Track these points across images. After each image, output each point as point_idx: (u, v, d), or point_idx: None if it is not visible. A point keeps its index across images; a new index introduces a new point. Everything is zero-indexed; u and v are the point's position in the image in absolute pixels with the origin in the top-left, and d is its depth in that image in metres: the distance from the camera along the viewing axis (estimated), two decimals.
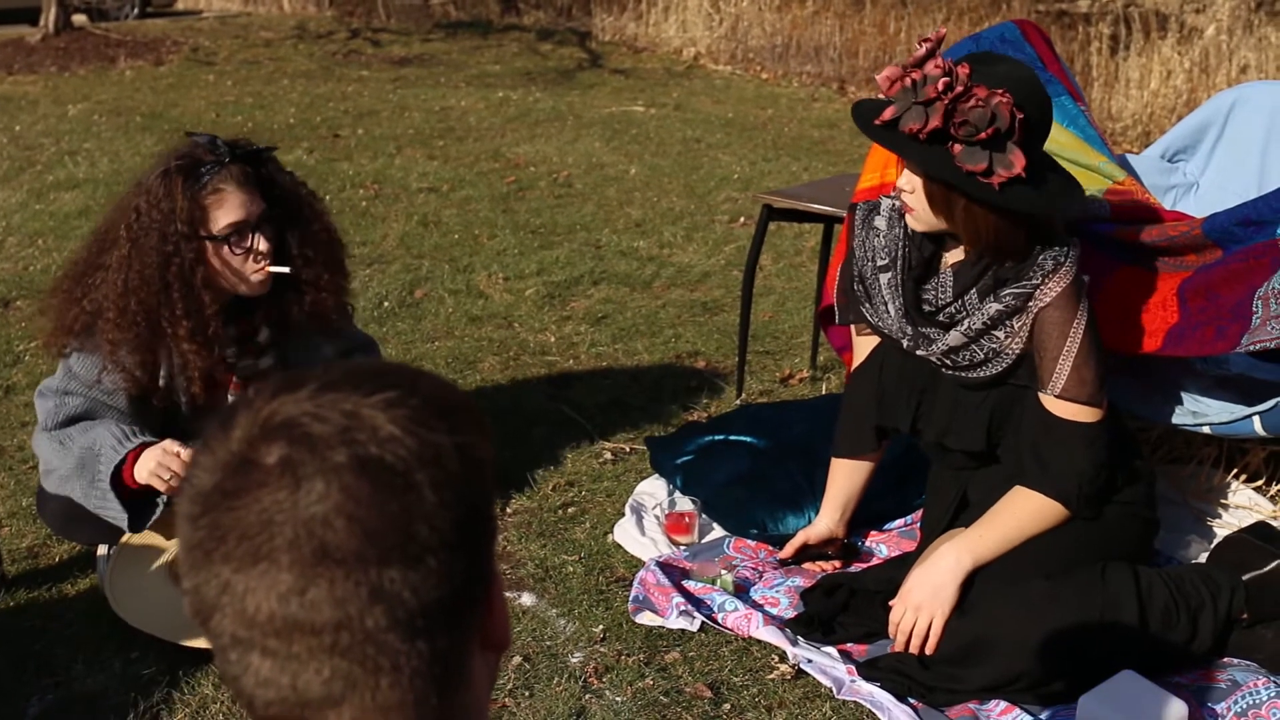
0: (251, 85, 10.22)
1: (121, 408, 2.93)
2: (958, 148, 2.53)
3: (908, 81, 2.56)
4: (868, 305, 2.93)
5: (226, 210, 2.87)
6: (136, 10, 14.25)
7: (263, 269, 2.92)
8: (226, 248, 2.88)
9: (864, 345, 3.08)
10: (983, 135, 2.49)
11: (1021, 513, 2.73)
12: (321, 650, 0.83)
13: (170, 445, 2.81)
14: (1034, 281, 2.67)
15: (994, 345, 2.73)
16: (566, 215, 6.47)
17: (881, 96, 2.69)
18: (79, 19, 12.58)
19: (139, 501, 2.87)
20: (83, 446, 2.87)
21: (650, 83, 10.79)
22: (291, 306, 3.02)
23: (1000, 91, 2.51)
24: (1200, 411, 3.05)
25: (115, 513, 2.85)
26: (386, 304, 5.08)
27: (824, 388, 4.29)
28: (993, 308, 2.70)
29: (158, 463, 2.78)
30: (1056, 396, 2.69)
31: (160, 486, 2.79)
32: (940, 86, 2.50)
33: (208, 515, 0.84)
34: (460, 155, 7.80)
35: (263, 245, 2.90)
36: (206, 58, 11.47)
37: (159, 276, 2.84)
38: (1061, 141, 3.25)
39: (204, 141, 2.93)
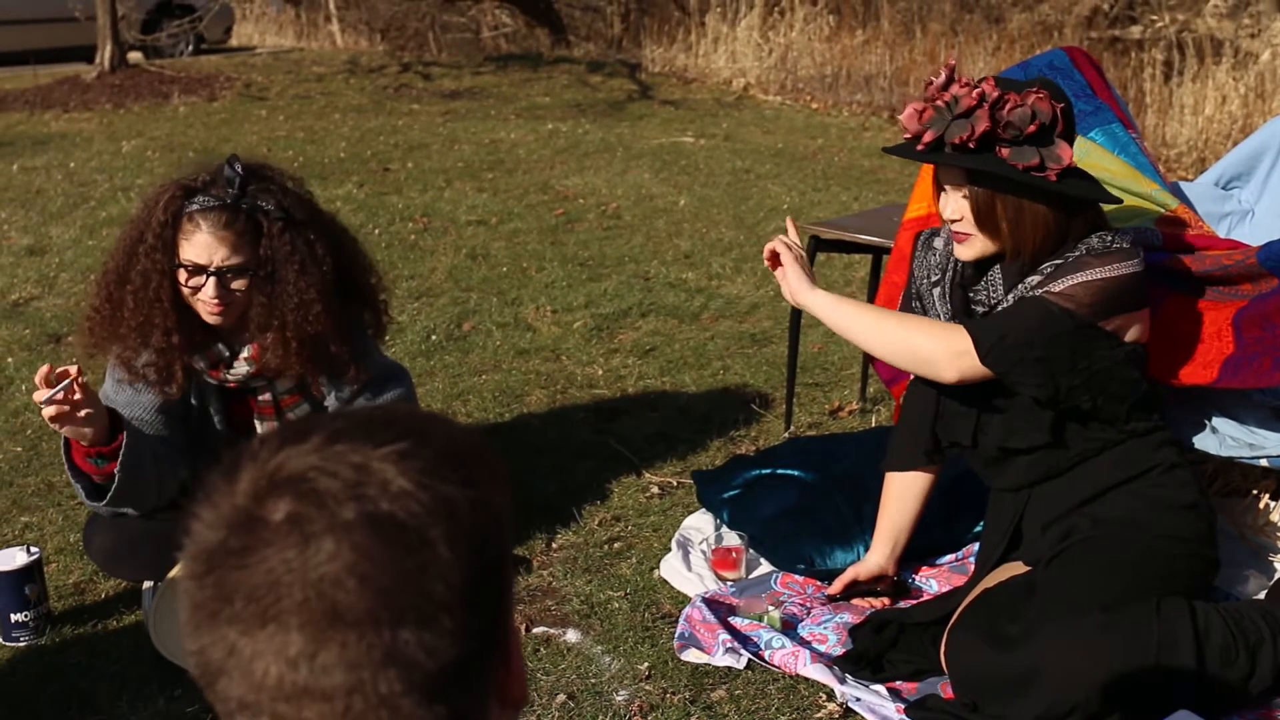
0: (303, 120, 10.30)
1: (148, 427, 3.01)
2: (1005, 151, 2.59)
3: (940, 104, 2.63)
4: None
5: (191, 247, 2.91)
6: (191, 47, 14.42)
7: (213, 308, 2.93)
8: (184, 276, 2.92)
9: None
10: (1030, 130, 2.56)
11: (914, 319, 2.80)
12: (333, 716, 0.80)
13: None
14: (1078, 253, 2.67)
15: None
16: (615, 247, 6.46)
17: (906, 136, 2.69)
18: (134, 56, 12.71)
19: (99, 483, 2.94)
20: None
21: (700, 113, 10.78)
22: (273, 340, 3.01)
23: (1035, 89, 2.59)
24: (1257, 444, 2.98)
25: (78, 489, 2.96)
26: (434, 337, 5.08)
27: (873, 420, 4.25)
28: (1044, 272, 2.70)
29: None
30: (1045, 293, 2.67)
31: (53, 423, 2.74)
32: (975, 97, 2.58)
33: (213, 574, 0.81)
34: (509, 188, 7.82)
35: (209, 293, 2.92)
36: (259, 93, 11.57)
37: (125, 266, 2.93)
38: (1113, 170, 3.20)
39: (226, 173, 2.94)
